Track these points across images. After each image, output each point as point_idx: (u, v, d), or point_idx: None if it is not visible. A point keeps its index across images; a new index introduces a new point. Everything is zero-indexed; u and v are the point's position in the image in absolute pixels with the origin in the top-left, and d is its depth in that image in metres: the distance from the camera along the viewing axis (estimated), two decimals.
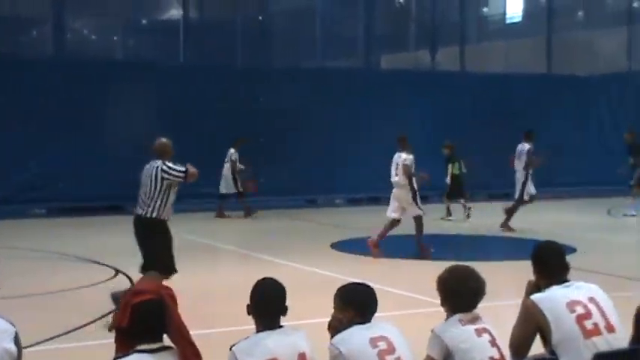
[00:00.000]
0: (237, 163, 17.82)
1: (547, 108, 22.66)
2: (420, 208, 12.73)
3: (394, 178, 12.79)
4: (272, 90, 19.93)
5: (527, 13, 31.52)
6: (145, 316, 3.59)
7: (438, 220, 17.29)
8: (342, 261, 12.40)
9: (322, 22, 25.10)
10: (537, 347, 4.49)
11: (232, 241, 14.31)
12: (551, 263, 4.56)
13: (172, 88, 19.18)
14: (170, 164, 8.64)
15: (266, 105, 19.69)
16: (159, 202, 8.55)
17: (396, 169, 12.79)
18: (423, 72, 24.56)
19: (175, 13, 23.17)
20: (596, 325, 4.31)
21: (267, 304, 4.02)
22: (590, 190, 22.48)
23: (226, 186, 17.95)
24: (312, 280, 10.72)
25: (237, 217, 18.05)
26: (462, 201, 17.64)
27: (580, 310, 4.33)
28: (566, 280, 4.50)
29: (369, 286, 4.27)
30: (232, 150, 17.87)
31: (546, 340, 4.37)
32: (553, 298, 4.38)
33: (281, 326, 4.03)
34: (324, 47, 24.79)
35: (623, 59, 24.85)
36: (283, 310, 4.05)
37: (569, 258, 11.38)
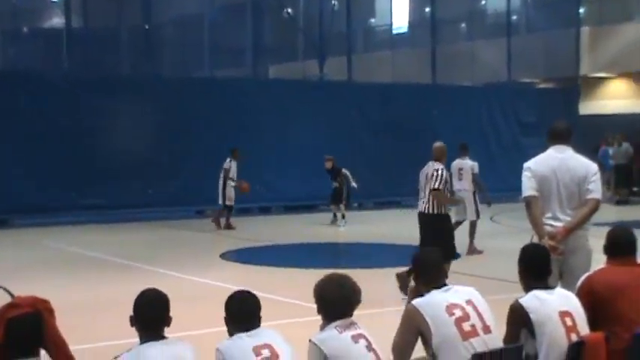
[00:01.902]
0: (230, 174, 17.45)
1: (432, 117, 23.20)
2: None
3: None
4: (160, 100, 19.69)
5: (413, 24, 32.25)
6: (20, 331, 3.50)
7: (324, 227, 17.47)
8: (231, 270, 12.37)
9: (211, 32, 25.02)
10: (419, 351, 4.59)
11: (118, 253, 14.04)
12: (430, 269, 4.68)
13: (55, 99, 18.69)
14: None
15: (154, 115, 19.43)
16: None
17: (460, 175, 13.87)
18: (311, 82, 24.77)
19: (58, 21, 22.64)
20: (473, 326, 4.44)
21: (150, 315, 3.98)
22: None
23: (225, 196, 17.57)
24: (200, 290, 10.66)
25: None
26: (342, 208, 18.07)
27: (458, 312, 4.45)
28: (445, 285, 4.62)
29: (249, 294, 4.27)
30: (228, 160, 17.51)
31: (427, 344, 4.47)
32: (433, 303, 4.48)
33: (165, 337, 3.99)
34: (212, 57, 24.70)
35: (504, 69, 25.69)
36: (167, 321, 4.02)
37: (454, 263, 11.71)
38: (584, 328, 4.70)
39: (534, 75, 27.58)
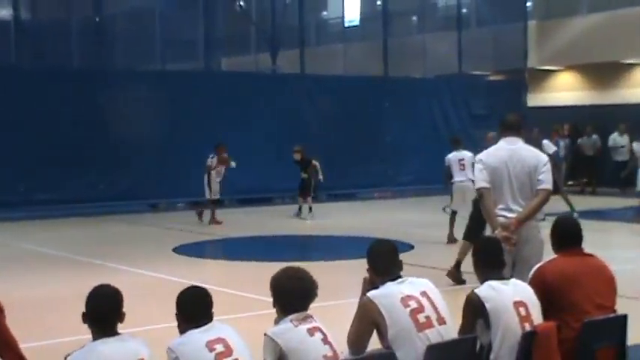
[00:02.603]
0: (214, 168, 17.31)
1: (384, 109, 23.29)
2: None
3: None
4: (110, 92, 19.45)
5: (364, 17, 32.28)
6: None
7: (278, 220, 17.45)
8: (185, 265, 12.30)
9: (162, 24, 24.74)
10: (375, 342, 4.62)
11: (70, 249, 13.87)
12: (384, 261, 4.70)
13: (3, 91, 18.37)
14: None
15: (104, 108, 19.19)
16: None
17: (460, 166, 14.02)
18: (263, 75, 24.68)
19: (5, 13, 22.20)
20: (428, 318, 4.48)
21: (102, 312, 3.94)
22: (427, 189, 23.26)
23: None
24: (154, 285, 10.58)
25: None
26: (309, 200, 18.05)
27: (413, 304, 4.48)
28: (400, 277, 4.65)
29: (200, 290, 4.24)
30: (210, 156, 17.36)
31: (382, 335, 4.49)
32: (388, 294, 4.51)
33: (118, 333, 3.95)
34: (163, 49, 24.43)
35: (455, 61, 25.87)
36: (120, 317, 3.98)
37: (407, 255, 11.83)
38: (537, 318, 4.77)
39: (484, 67, 27.79)
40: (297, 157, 18.22)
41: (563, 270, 5.16)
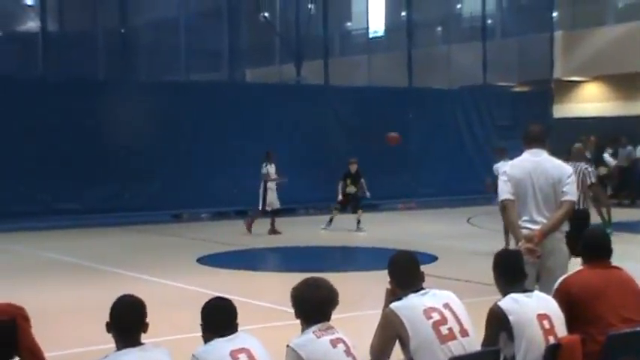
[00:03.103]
0: (272, 176, 17.42)
1: (408, 120, 23.26)
2: None
3: None
4: (135, 103, 19.58)
5: (389, 27, 32.33)
6: None
7: (309, 231, 17.47)
8: (208, 275, 12.32)
9: (186, 34, 24.91)
10: (397, 354, 4.60)
11: (94, 259, 13.96)
12: (406, 272, 4.69)
13: (30, 102, 18.55)
14: None
15: (129, 119, 19.32)
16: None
17: None
18: (288, 85, 24.77)
19: (33, 25, 22.45)
20: (451, 330, 4.45)
21: (126, 321, 3.96)
22: (451, 199, 23.21)
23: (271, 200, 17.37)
24: (177, 295, 10.61)
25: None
26: (359, 213, 17.64)
27: (436, 316, 4.46)
28: (423, 288, 4.63)
29: (225, 301, 4.25)
30: (264, 164, 17.37)
31: (405, 347, 4.48)
32: (410, 306, 4.49)
33: (142, 343, 3.97)
34: (188, 60, 24.60)
35: (479, 72, 25.82)
36: (143, 327, 4.00)
37: (431, 266, 11.79)
38: (561, 331, 4.73)
39: (509, 78, 27.73)
40: (354, 168, 17.75)
41: (589, 282, 5.12)
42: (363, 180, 17.80)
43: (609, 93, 27.35)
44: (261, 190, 17.35)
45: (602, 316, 4.99)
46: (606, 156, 15.99)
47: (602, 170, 15.67)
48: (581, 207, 10.66)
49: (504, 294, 4.84)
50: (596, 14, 27.27)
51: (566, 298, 5.04)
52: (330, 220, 17.75)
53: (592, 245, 5.33)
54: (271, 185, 17.36)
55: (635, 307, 5.13)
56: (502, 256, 5.16)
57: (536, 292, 4.94)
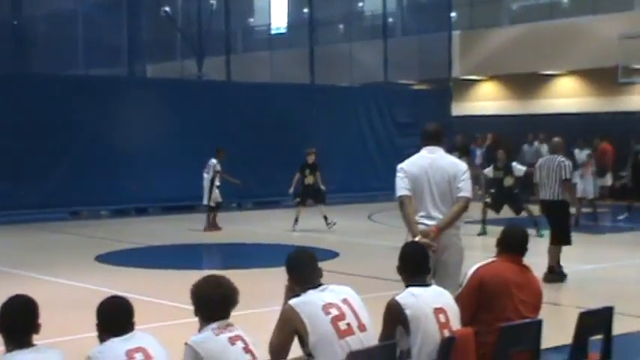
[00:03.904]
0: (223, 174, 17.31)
1: (310, 117, 23.37)
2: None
3: None
4: (31, 97, 19.04)
5: (291, 24, 32.40)
6: None
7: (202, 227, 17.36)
8: (107, 274, 12.11)
9: (85, 28, 24.39)
10: (297, 350, 4.63)
11: None
12: (304, 269, 4.72)
13: None
14: None
15: (24, 113, 18.78)
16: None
17: None
18: (189, 81, 24.53)
19: None
20: (349, 325, 4.51)
21: (16, 323, 3.87)
22: (352, 196, 23.42)
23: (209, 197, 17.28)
24: (75, 295, 10.39)
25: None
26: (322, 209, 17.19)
27: (335, 312, 4.51)
28: (321, 284, 4.67)
29: (121, 299, 4.20)
30: (215, 161, 17.29)
31: (303, 343, 4.51)
32: (309, 302, 4.52)
33: (34, 344, 3.88)
34: (86, 54, 24.09)
35: (380, 70, 26.15)
36: (35, 328, 3.91)
37: (332, 262, 11.86)
38: (456, 325, 4.85)
39: (410, 77, 28.17)
40: (311, 159, 17.26)
41: (501, 274, 5.30)
42: (319, 172, 17.31)
43: (505, 92, 28.12)
44: (207, 185, 17.33)
45: (504, 309, 5.17)
46: (515, 164, 16.31)
47: (509, 181, 15.96)
48: (559, 198, 11.14)
49: (406, 285, 4.94)
50: (492, 15, 27.98)
51: (478, 286, 5.21)
52: (296, 220, 17.11)
53: (510, 240, 5.50)
54: (217, 182, 17.36)
55: (533, 307, 5.33)
56: (409, 248, 5.27)
57: (434, 287, 5.05)
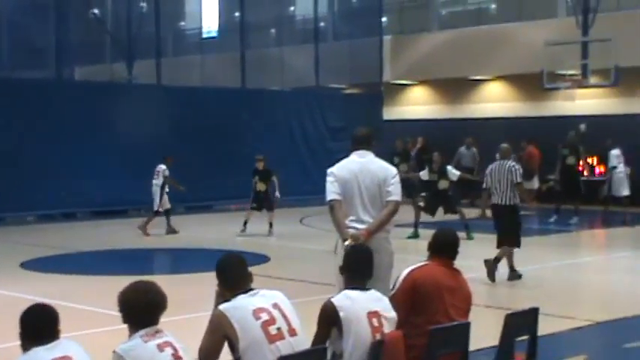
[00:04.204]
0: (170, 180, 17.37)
1: (242, 121, 23.30)
2: None
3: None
4: None
5: (223, 28, 32.25)
6: None
7: (134, 232, 17.14)
8: (32, 281, 11.86)
9: (10, 29, 23.85)
10: (226, 355, 4.61)
11: None
12: (233, 274, 4.71)
13: None
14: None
15: None
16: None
17: None
18: (119, 85, 24.23)
19: None
20: (279, 329, 4.51)
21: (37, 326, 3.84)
22: (284, 200, 23.38)
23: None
24: None
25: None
26: (272, 216, 17.26)
27: (265, 316, 4.50)
28: (252, 289, 4.66)
29: (45, 307, 4.13)
30: (164, 167, 17.30)
31: (234, 348, 4.49)
32: (239, 307, 4.51)
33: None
34: (12, 56, 23.56)
35: (312, 74, 26.22)
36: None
37: (263, 267, 11.84)
38: (389, 329, 4.89)
39: (341, 81, 28.30)
40: (260, 165, 17.23)
41: (433, 276, 5.38)
42: (274, 178, 17.24)
43: (435, 96, 28.46)
44: (156, 191, 17.31)
45: (435, 312, 5.25)
46: (450, 168, 16.47)
47: (443, 184, 16.09)
48: (510, 203, 11.48)
49: (345, 287, 4.98)
50: (422, 20, 28.31)
51: (411, 288, 5.27)
52: (244, 224, 17.08)
53: (441, 244, 5.58)
54: (166, 188, 17.39)
55: (463, 311, 5.41)
56: (353, 251, 5.30)
57: (372, 291, 5.08)
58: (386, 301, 5.04)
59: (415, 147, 25.00)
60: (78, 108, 20.28)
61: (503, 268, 11.61)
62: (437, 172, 16.18)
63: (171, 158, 17.60)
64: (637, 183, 23.26)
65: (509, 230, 11.54)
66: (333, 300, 4.84)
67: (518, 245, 11.64)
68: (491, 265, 11.35)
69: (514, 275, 11.60)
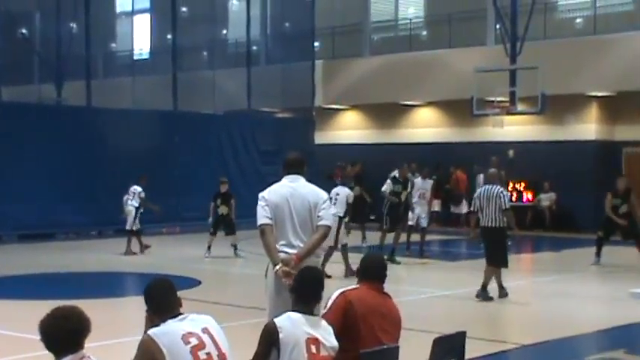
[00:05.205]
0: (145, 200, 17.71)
1: (173, 144, 23.14)
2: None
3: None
4: None
5: (155, 50, 32.07)
6: None
7: (69, 256, 16.82)
8: None
9: None
10: None
11: None
12: (161, 299, 4.67)
13: None
14: None
15: None
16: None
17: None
18: (47, 106, 23.84)
19: None
20: (209, 354, 4.47)
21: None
22: None
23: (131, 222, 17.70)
24: None
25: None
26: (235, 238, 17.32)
27: (194, 341, 4.47)
28: (181, 314, 4.63)
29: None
30: (139, 188, 17.67)
31: None
32: (168, 332, 4.47)
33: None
34: None
35: (244, 98, 26.22)
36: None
37: (194, 291, 11.74)
38: (328, 357, 4.90)
39: (273, 104, 28.37)
40: (224, 188, 17.16)
41: (365, 299, 5.40)
42: (233, 201, 17.18)
43: (367, 121, 28.71)
44: (131, 211, 17.67)
45: (366, 335, 5.26)
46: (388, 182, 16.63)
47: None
48: (499, 225, 12.02)
49: (292, 309, 4.98)
50: (354, 46, 28.59)
51: (344, 309, 5.28)
52: (209, 247, 16.99)
53: (370, 268, 5.62)
54: (141, 209, 17.79)
55: (392, 336, 5.44)
56: (305, 274, 5.30)
57: (317, 317, 5.08)
58: (330, 329, 5.03)
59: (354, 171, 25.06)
60: (5, 129, 19.89)
61: (430, 290, 11.70)
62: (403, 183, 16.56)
63: (145, 178, 17.84)
64: (564, 208, 23.92)
65: (496, 251, 12.13)
66: (276, 320, 4.85)
67: (505, 265, 12.25)
68: (484, 295, 12.05)
69: (503, 293, 12.18)
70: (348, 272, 13.58)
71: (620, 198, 15.77)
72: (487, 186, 12.43)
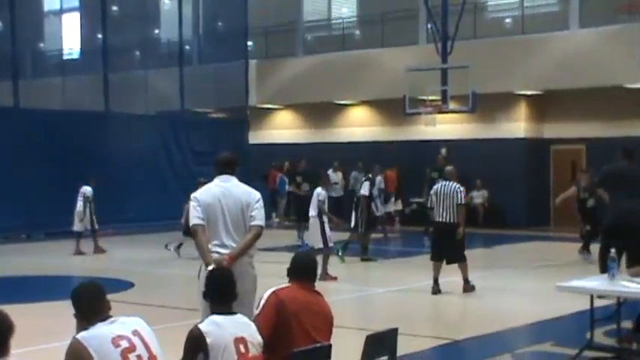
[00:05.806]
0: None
1: (106, 145, 22.82)
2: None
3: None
4: None
5: (85, 49, 31.58)
6: None
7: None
8: None
9: None
10: None
11: None
12: (89, 303, 4.61)
13: None
14: None
15: None
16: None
17: None
18: None
19: None
20: (140, 357, 4.43)
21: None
22: (149, 225, 23.03)
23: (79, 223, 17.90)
24: None
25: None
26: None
27: (125, 344, 4.42)
28: (110, 316, 4.58)
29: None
30: (90, 189, 17.89)
31: None
32: (98, 335, 4.42)
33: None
34: None
35: (177, 98, 26.01)
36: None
37: (126, 293, 11.60)
38: (257, 356, 4.89)
39: (207, 105, 28.19)
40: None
41: (296, 297, 5.43)
42: None
43: (301, 120, 28.74)
44: (80, 212, 17.94)
45: (298, 333, 5.28)
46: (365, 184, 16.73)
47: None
48: (455, 221, 12.24)
49: (211, 313, 4.94)
50: (287, 45, 28.59)
51: (276, 307, 5.30)
52: (178, 246, 17.10)
53: (300, 268, 5.64)
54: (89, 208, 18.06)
55: (324, 333, 5.47)
56: (214, 275, 5.27)
57: (238, 315, 5.06)
58: (252, 326, 5.04)
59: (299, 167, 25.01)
60: None
61: (362, 288, 11.76)
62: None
63: (94, 180, 18.11)
64: (494, 206, 24.29)
65: (455, 247, 12.38)
66: (200, 326, 4.81)
67: (463, 259, 12.52)
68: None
69: (468, 287, 12.46)
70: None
71: (588, 192, 15.81)
72: (444, 182, 12.57)
